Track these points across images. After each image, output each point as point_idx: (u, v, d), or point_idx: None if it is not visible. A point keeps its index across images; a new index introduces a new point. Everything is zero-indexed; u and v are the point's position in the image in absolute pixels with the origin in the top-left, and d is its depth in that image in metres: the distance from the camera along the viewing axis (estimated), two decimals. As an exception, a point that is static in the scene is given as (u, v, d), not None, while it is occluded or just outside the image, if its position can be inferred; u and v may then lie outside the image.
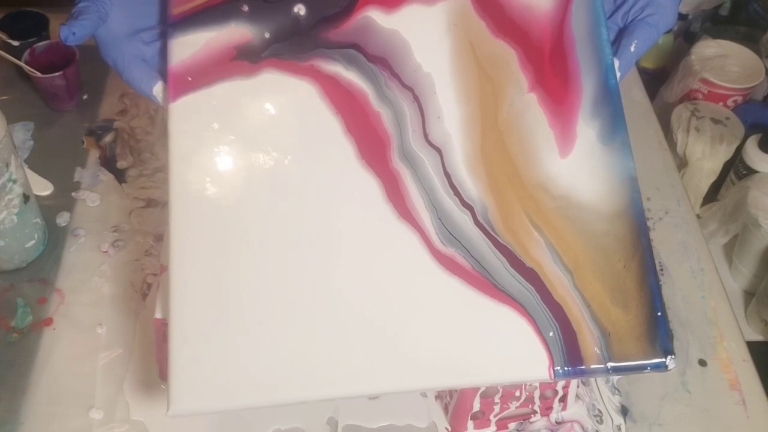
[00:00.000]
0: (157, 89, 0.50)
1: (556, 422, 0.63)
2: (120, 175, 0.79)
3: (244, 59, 0.51)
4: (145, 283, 0.70)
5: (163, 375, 0.58)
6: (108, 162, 0.80)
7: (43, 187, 0.77)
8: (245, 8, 0.52)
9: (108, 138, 0.83)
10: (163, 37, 0.51)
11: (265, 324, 0.47)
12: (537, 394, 0.60)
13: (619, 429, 0.63)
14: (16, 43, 0.84)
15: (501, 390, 0.58)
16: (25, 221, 0.68)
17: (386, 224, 0.49)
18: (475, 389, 0.58)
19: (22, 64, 0.80)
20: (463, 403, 0.59)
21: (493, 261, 0.48)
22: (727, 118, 1.09)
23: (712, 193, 1.11)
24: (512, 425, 0.62)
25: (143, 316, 0.67)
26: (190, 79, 0.50)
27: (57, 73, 0.81)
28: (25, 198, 0.67)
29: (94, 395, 0.62)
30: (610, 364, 0.47)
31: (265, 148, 0.50)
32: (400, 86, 0.51)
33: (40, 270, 0.70)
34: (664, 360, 0.47)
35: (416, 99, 0.51)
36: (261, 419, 0.61)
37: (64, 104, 0.85)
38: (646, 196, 0.82)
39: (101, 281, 0.70)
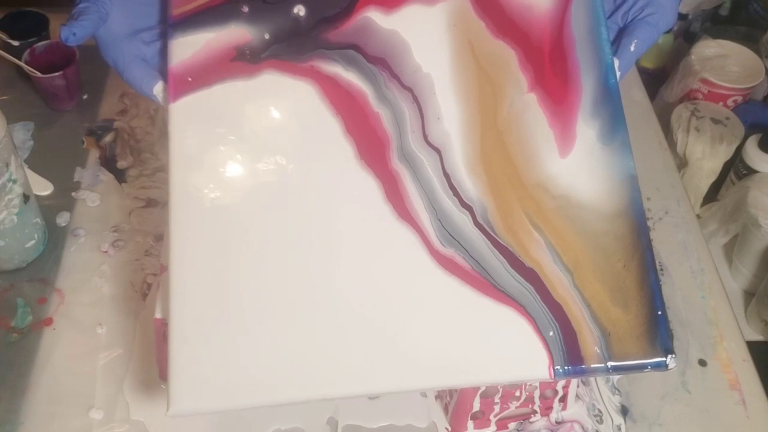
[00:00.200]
0: (158, 89, 0.51)
1: (556, 422, 0.63)
2: (120, 175, 0.79)
3: (244, 60, 0.51)
4: (145, 283, 0.70)
5: (163, 375, 0.58)
6: (108, 162, 0.80)
7: (43, 187, 0.77)
8: (245, 9, 0.52)
9: (108, 138, 0.83)
10: (164, 37, 0.52)
11: (265, 324, 0.47)
12: (537, 394, 0.60)
13: (619, 429, 0.63)
14: (16, 43, 0.84)
15: (501, 390, 0.58)
16: (25, 221, 0.68)
17: (386, 224, 0.49)
18: (475, 389, 0.58)
19: (22, 64, 0.80)
20: (463, 403, 0.59)
21: (493, 261, 0.48)
22: (727, 118, 1.09)
23: (712, 193, 1.11)
24: (512, 425, 0.62)
25: (143, 316, 0.67)
26: (190, 79, 0.50)
27: (57, 73, 0.81)
28: (25, 198, 0.67)
29: (94, 395, 0.62)
30: (610, 364, 0.47)
31: (265, 149, 0.50)
32: (399, 87, 0.51)
33: (40, 270, 0.70)
34: (664, 359, 0.47)
35: (416, 99, 0.51)
36: (261, 419, 0.61)
37: (64, 104, 0.85)
38: (646, 196, 0.82)
39: (101, 281, 0.70)
